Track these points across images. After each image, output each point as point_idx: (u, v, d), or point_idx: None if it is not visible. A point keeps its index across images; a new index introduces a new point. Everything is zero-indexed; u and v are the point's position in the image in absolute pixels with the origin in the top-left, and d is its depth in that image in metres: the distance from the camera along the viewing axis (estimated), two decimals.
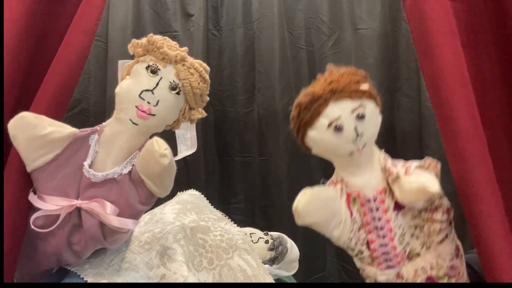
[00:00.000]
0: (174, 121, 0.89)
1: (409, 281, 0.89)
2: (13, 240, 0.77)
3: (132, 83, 0.83)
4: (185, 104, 0.87)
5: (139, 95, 0.81)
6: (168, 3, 1.74)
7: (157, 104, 0.82)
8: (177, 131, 0.97)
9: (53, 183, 0.81)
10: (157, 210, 1.09)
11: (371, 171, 0.89)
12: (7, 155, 0.81)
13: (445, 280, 0.89)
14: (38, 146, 0.78)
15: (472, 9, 0.78)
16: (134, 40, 0.86)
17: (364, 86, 0.83)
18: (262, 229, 1.21)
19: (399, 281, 0.91)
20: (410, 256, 0.90)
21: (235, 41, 1.76)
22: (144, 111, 0.81)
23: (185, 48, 0.87)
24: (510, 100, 0.76)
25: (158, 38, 0.84)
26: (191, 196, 1.18)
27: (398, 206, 0.89)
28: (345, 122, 0.82)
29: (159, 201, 1.14)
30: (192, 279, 0.91)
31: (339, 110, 0.82)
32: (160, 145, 0.79)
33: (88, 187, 0.82)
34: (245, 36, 1.75)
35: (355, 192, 0.89)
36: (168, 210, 1.08)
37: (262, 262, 1.07)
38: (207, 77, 0.88)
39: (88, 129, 0.85)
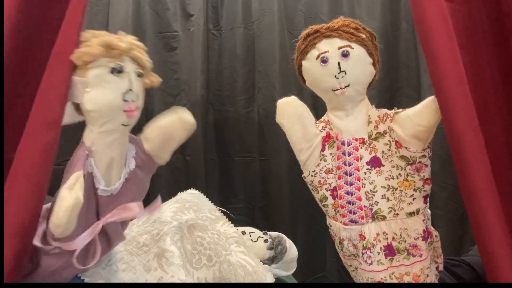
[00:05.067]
0: None
1: (369, 243, 0.93)
2: (24, 241, 0.75)
3: (104, 94, 0.79)
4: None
5: (123, 99, 0.79)
6: (168, 3, 1.74)
7: (138, 98, 0.83)
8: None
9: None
10: None
11: (354, 119, 0.97)
12: (6, 154, 0.80)
13: (403, 255, 0.92)
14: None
15: (470, 10, 0.78)
16: (78, 51, 0.78)
17: (359, 32, 0.94)
18: (262, 229, 1.21)
19: (361, 241, 0.95)
20: (375, 216, 0.94)
21: (235, 41, 1.76)
22: (132, 110, 0.81)
23: (122, 32, 0.86)
24: (508, 99, 0.76)
25: (111, 37, 0.81)
26: (191, 195, 1.18)
27: (374, 163, 0.95)
28: (331, 57, 0.93)
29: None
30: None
31: (328, 45, 0.93)
32: (187, 114, 0.87)
33: (109, 203, 0.83)
34: (245, 36, 1.75)
35: (334, 133, 0.98)
36: (166, 209, 1.08)
37: (261, 261, 1.07)
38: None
39: (81, 161, 0.80)
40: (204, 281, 0.96)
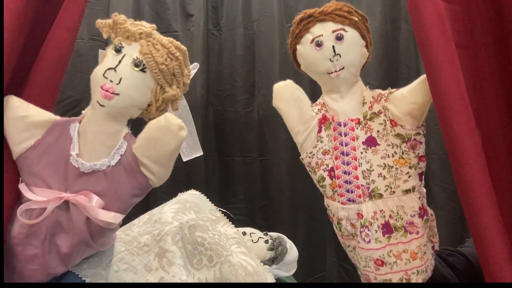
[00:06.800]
0: (149, 105, 0.84)
1: (367, 221, 0.95)
2: None
3: (100, 66, 0.82)
4: (155, 84, 0.83)
5: (103, 74, 0.79)
6: (168, 3, 1.74)
7: (120, 82, 0.79)
8: None
9: (35, 171, 0.80)
10: (156, 210, 1.09)
11: (349, 100, 0.99)
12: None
13: (401, 233, 0.94)
14: (20, 129, 0.79)
15: (469, 10, 0.78)
16: (98, 20, 0.83)
17: (351, 15, 0.96)
18: (262, 229, 1.21)
19: (359, 220, 0.96)
20: (372, 195, 0.96)
21: (235, 41, 1.76)
22: (107, 90, 0.78)
23: (153, 25, 0.84)
24: (507, 99, 0.76)
25: (121, 16, 0.82)
26: (191, 196, 1.18)
27: (370, 143, 0.97)
28: (325, 40, 0.95)
29: (159, 202, 1.14)
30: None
31: (322, 29, 0.95)
32: (175, 118, 0.78)
33: (77, 178, 0.81)
34: (245, 36, 1.75)
35: (330, 115, 1.00)
36: (167, 209, 1.08)
37: (262, 262, 1.07)
38: (178, 54, 0.83)
39: (69, 118, 0.84)
40: (204, 282, 0.96)
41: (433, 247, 1.00)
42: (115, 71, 0.79)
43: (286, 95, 0.99)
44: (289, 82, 0.99)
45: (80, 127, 0.83)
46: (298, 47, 1.00)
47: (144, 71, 0.81)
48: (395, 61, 1.69)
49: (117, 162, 0.82)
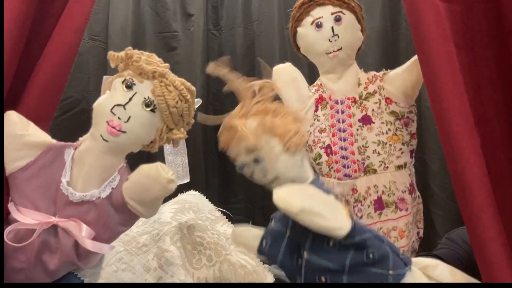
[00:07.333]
0: (152, 142, 0.84)
1: (361, 196, 1.00)
2: None
3: (106, 98, 0.80)
4: (162, 124, 0.82)
5: (111, 110, 0.77)
6: (168, 3, 1.74)
7: (128, 120, 0.77)
8: (166, 155, 0.95)
9: (24, 193, 0.79)
10: None
11: (345, 81, 1.06)
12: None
13: (391, 208, 0.99)
14: (15, 147, 0.78)
15: (469, 10, 0.77)
16: (110, 53, 0.82)
17: (349, 0, 1.02)
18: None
19: (353, 195, 1.01)
20: (367, 170, 1.01)
21: (235, 41, 1.76)
22: (114, 127, 0.76)
23: (167, 64, 0.83)
24: (507, 100, 0.76)
25: (136, 52, 0.81)
26: (191, 196, 1.18)
27: (365, 121, 1.03)
28: (325, 21, 1.01)
29: None
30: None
31: (322, 11, 1.02)
32: (166, 171, 0.76)
33: (66, 205, 0.79)
34: (245, 36, 1.75)
35: (327, 95, 1.06)
36: (166, 210, 1.08)
37: (261, 262, 1.07)
38: (189, 96, 0.82)
39: (65, 143, 0.83)
40: (204, 281, 0.96)
41: (418, 233, 1.04)
42: (124, 108, 0.77)
43: (284, 76, 1.05)
44: (287, 65, 1.06)
45: (75, 154, 0.81)
46: (299, 29, 1.05)
47: (154, 111, 0.79)
48: (395, 61, 1.68)
49: (107, 195, 0.80)
